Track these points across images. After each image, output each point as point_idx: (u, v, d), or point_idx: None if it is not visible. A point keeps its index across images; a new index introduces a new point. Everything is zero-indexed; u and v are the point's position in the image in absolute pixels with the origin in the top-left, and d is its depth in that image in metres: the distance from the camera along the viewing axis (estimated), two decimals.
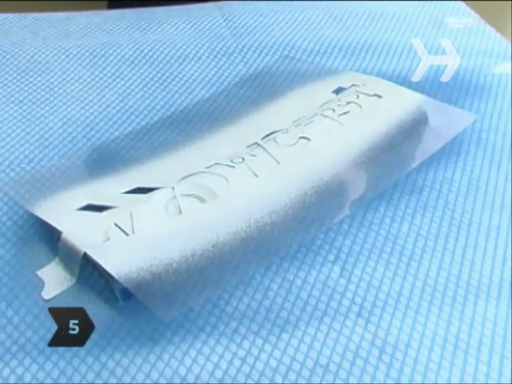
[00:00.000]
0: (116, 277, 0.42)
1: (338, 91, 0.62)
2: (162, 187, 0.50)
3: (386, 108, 0.59)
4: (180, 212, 0.48)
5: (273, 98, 0.63)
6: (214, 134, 0.58)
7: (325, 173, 0.52)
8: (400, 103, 0.60)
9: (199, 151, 0.55)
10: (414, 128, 0.58)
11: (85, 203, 0.49)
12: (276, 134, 0.56)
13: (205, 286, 0.43)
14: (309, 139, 0.55)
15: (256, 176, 0.51)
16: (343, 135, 0.56)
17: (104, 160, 0.55)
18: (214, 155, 0.53)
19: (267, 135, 0.55)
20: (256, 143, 0.55)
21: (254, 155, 0.53)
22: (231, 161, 0.52)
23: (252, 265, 0.46)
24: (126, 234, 0.45)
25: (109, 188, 0.51)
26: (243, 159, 0.52)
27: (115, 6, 0.89)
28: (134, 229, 0.46)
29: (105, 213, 0.48)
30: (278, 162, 0.52)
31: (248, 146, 0.54)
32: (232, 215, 0.48)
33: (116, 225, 0.46)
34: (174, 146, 0.56)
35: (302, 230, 0.49)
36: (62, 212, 0.48)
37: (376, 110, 0.59)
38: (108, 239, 0.45)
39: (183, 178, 0.51)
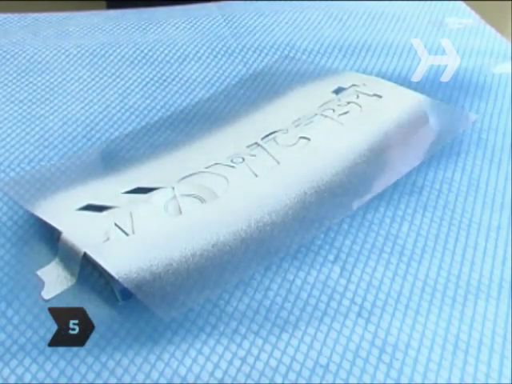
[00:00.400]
0: (116, 277, 0.42)
1: (338, 91, 0.62)
2: (162, 187, 0.50)
3: (385, 108, 0.59)
4: (180, 212, 0.48)
5: (273, 98, 0.63)
6: (213, 134, 0.58)
7: (325, 173, 0.52)
8: (400, 103, 0.60)
9: (199, 151, 0.55)
10: (414, 128, 0.58)
11: (85, 203, 0.49)
12: (276, 134, 0.56)
13: (205, 286, 0.43)
14: (309, 139, 0.55)
15: (256, 176, 0.51)
16: (343, 135, 0.56)
17: (104, 160, 0.55)
18: (214, 155, 0.53)
19: (267, 135, 0.55)
20: (256, 143, 0.55)
21: (254, 155, 0.53)
22: (231, 161, 0.52)
23: (252, 265, 0.46)
24: (126, 234, 0.45)
25: (109, 188, 0.51)
26: (243, 159, 0.52)
27: (115, 6, 0.89)
28: (134, 229, 0.46)
29: (105, 213, 0.48)
30: (278, 162, 0.52)
31: (248, 146, 0.54)
32: (232, 215, 0.48)
33: (116, 225, 0.46)
34: (174, 146, 0.56)
35: (302, 229, 0.49)
36: (62, 212, 0.48)
37: (376, 110, 0.59)
38: (108, 239, 0.45)
39: (183, 178, 0.51)
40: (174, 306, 0.42)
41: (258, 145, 0.54)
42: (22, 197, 0.50)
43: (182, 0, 0.85)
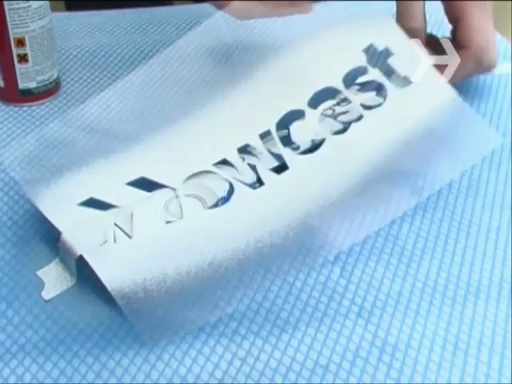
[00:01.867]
0: (109, 289, 0.41)
1: (369, 50, 0.55)
2: (165, 185, 0.49)
3: (412, 105, 0.52)
4: (181, 216, 0.47)
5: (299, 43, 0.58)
6: (223, 114, 0.54)
7: (333, 190, 0.47)
8: (430, 100, 0.53)
9: (207, 138, 0.52)
10: (439, 138, 0.51)
11: (88, 195, 0.47)
12: (294, 125, 0.51)
13: (196, 313, 0.42)
14: (324, 140, 0.51)
15: (262, 184, 0.49)
16: (360, 138, 0.51)
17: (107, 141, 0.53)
18: (223, 146, 0.50)
19: (282, 121, 0.51)
20: (269, 132, 0.50)
21: (264, 153, 0.50)
22: (241, 157, 0.50)
23: (247, 292, 0.44)
24: (128, 237, 0.45)
25: (112, 174, 0.49)
26: (251, 154, 0.50)
27: (74, 6, 0.89)
28: (133, 233, 0.45)
29: (105, 212, 0.47)
30: (288, 168, 0.49)
31: (262, 136, 0.50)
32: (232, 228, 0.46)
33: (115, 226, 0.46)
34: (182, 127, 0.53)
35: (300, 258, 0.46)
36: (64, 206, 0.47)
37: (400, 107, 0.52)
38: (106, 242, 0.45)
39: (188, 179, 0.49)
40: (162, 333, 0.41)
41: (272, 137, 0.50)
42: (25, 180, 0.49)
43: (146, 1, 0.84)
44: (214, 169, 0.50)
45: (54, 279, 0.45)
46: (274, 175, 0.50)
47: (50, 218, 0.46)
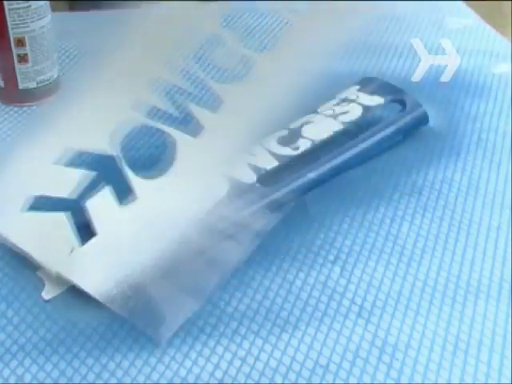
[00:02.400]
0: (97, 297, 0.40)
1: None
2: (100, 153, 0.44)
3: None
4: (136, 197, 0.44)
5: None
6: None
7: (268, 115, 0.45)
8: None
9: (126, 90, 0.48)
10: None
11: (28, 194, 0.44)
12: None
13: (187, 295, 0.41)
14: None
15: (202, 128, 0.44)
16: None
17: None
18: (144, 88, 0.46)
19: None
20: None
21: (190, 90, 0.47)
22: (170, 100, 0.46)
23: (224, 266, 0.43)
24: (93, 236, 0.44)
25: (36, 152, 0.45)
26: (181, 99, 0.46)
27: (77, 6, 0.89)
28: (95, 230, 0.44)
29: (57, 213, 0.45)
30: (222, 101, 0.45)
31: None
32: (186, 195, 0.43)
33: (75, 228, 0.44)
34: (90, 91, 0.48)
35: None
36: (10, 217, 0.44)
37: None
38: (73, 249, 0.43)
39: (124, 139, 0.44)
40: (162, 324, 0.41)
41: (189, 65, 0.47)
42: None
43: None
44: (148, 121, 0.45)
45: (54, 279, 0.45)
46: (209, 113, 0.46)
47: (6, 238, 0.43)
